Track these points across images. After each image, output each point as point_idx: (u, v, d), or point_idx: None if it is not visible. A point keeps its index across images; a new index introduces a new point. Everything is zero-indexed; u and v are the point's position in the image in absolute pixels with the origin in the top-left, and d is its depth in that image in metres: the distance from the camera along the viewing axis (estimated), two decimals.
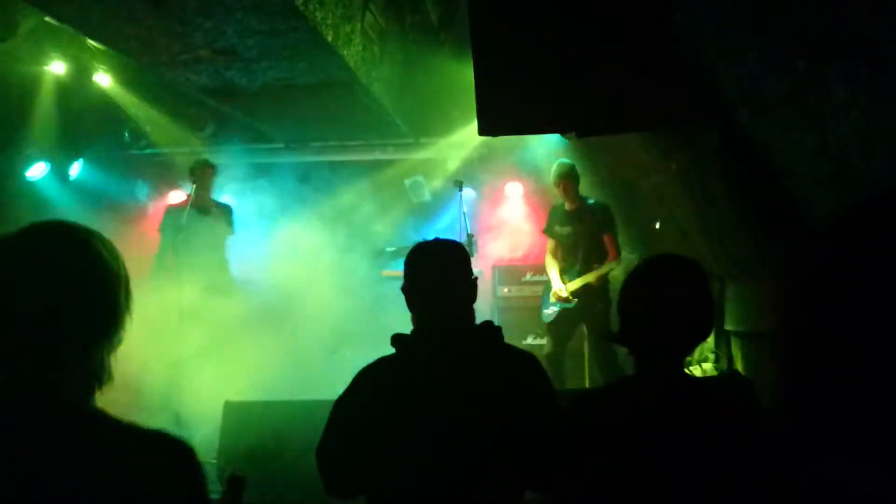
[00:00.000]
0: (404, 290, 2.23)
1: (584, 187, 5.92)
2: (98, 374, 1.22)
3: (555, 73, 3.45)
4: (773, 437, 1.57)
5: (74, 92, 6.45)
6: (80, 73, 6.34)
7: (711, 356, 5.66)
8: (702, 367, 5.60)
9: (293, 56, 4.89)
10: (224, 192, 6.97)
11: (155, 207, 7.64)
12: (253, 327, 5.52)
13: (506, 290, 7.07)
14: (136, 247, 6.30)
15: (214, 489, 1.87)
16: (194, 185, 5.77)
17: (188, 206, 5.63)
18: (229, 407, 4.46)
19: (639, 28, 3.39)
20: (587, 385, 6.22)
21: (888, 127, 2.33)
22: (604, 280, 5.58)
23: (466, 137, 6.88)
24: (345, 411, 2.14)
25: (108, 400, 1.25)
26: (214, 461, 4.51)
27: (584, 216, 5.66)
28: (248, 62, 5.01)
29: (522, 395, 2.12)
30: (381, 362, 2.18)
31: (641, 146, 5.34)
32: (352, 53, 5.06)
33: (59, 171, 7.11)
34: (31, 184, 6.85)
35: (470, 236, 5.72)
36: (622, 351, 2.16)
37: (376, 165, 7.76)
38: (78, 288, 1.21)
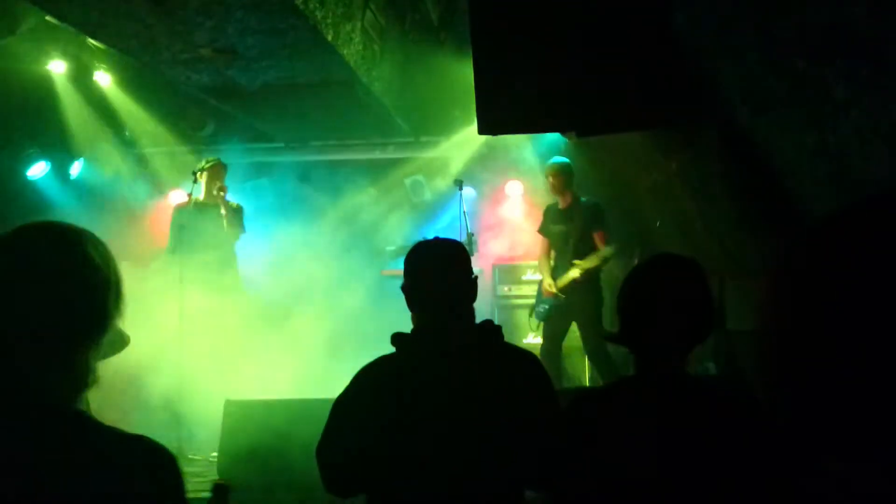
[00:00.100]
0: (404, 288, 2.23)
1: (585, 187, 5.91)
2: (84, 377, 1.20)
3: (555, 73, 3.44)
4: (773, 436, 1.57)
5: (75, 91, 6.45)
6: (81, 72, 6.34)
7: (712, 356, 5.65)
8: (704, 365, 5.59)
9: (293, 55, 4.90)
10: None
11: (155, 207, 7.64)
12: (254, 326, 5.52)
13: (506, 288, 7.08)
14: (136, 246, 6.32)
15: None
16: (202, 184, 5.76)
17: (191, 205, 5.63)
18: (230, 406, 4.47)
19: (639, 28, 3.39)
20: (587, 383, 6.23)
21: (888, 127, 2.34)
22: (590, 274, 5.55)
23: (467, 136, 6.89)
24: (345, 410, 2.13)
25: (109, 400, 1.25)
26: (215, 460, 4.52)
27: (576, 214, 5.65)
28: (249, 61, 5.01)
29: (522, 394, 2.12)
30: (381, 361, 2.17)
31: (641, 146, 5.33)
32: (352, 52, 5.07)
33: (60, 171, 7.11)
34: (31, 183, 6.86)
35: (470, 235, 5.72)
36: (622, 350, 2.16)
37: (376, 164, 7.76)
38: (63, 291, 1.20)
